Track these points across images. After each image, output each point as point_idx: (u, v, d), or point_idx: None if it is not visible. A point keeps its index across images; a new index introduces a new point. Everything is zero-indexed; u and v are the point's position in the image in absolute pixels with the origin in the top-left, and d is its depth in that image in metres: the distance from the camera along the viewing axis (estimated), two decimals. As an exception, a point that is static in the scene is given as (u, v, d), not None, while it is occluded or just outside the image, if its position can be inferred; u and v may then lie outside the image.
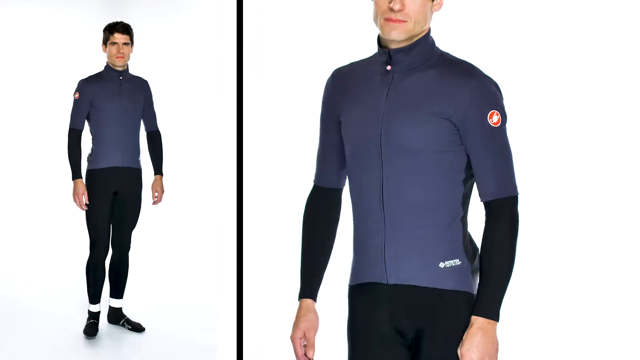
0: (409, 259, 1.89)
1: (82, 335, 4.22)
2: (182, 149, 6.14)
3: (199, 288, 5.07)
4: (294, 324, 2.02)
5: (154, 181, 4.37)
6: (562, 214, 3.53)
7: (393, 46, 1.91)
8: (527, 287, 3.42)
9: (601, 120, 3.50)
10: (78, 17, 5.99)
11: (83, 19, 5.81)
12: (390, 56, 1.91)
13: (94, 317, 4.25)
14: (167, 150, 4.95)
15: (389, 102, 1.90)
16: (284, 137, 3.80)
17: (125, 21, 4.33)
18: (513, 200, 1.90)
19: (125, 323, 4.31)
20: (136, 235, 4.47)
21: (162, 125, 4.54)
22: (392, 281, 1.91)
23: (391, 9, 1.84)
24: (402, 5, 1.84)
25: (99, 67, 4.29)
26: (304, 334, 1.99)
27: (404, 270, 1.90)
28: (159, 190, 4.38)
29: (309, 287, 2.03)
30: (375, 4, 1.89)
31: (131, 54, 4.26)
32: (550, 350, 3.48)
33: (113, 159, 4.18)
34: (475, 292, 1.93)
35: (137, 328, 4.28)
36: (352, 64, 2.05)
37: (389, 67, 1.93)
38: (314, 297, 2.03)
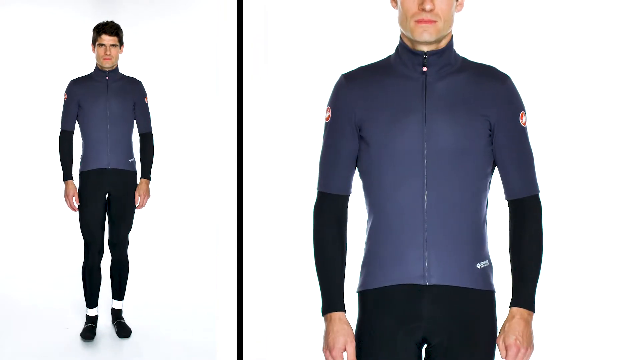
0: (450, 260, 1.91)
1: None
2: (182, 150, 6.14)
3: (199, 288, 5.07)
4: (330, 338, 1.95)
5: (138, 184, 4.28)
6: (569, 213, 3.54)
7: (425, 48, 1.93)
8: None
9: (608, 120, 3.51)
10: (75, 16, 5.98)
11: (79, 18, 5.80)
12: (425, 58, 1.93)
13: (91, 321, 4.24)
14: (167, 150, 4.95)
15: (430, 105, 1.92)
16: (284, 138, 3.80)
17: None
18: (538, 197, 1.98)
19: (116, 325, 4.29)
20: (136, 235, 4.47)
21: (161, 125, 4.51)
22: (432, 282, 1.91)
23: (423, 10, 1.86)
24: (433, 4, 1.86)
25: (93, 68, 4.26)
26: (345, 347, 1.94)
27: (444, 271, 1.91)
28: (142, 195, 4.26)
29: (337, 298, 1.97)
30: (403, 7, 1.90)
31: (121, 55, 4.18)
32: (560, 347, 3.48)
33: (101, 161, 4.14)
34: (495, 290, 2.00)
35: (124, 334, 4.25)
36: (362, 69, 2.03)
37: (425, 69, 1.94)
38: (344, 308, 1.98)
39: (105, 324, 4.36)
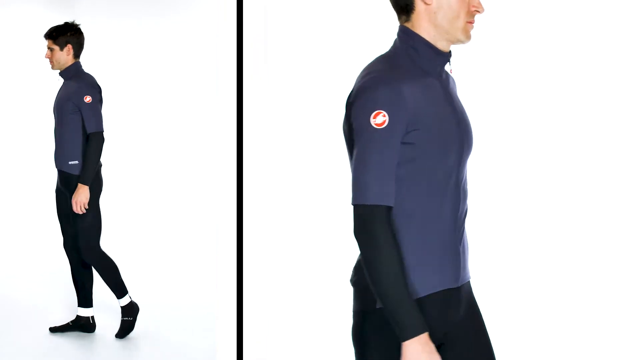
0: (467, 258, 1.96)
1: (81, 335, 4.23)
2: (182, 149, 6.15)
3: (199, 288, 5.07)
4: None
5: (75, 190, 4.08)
6: (550, 213, 3.54)
7: (447, 49, 1.90)
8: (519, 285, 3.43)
9: (589, 119, 3.51)
10: (75, 16, 5.99)
11: (79, 18, 5.82)
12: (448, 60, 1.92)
13: (76, 321, 4.28)
14: (166, 150, 4.94)
15: (455, 108, 1.91)
16: (284, 138, 3.80)
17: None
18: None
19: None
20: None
21: (161, 125, 4.50)
22: (460, 282, 1.91)
23: (477, 12, 1.86)
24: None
25: (96, 69, 4.29)
26: None
27: (467, 269, 1.95)
28: (75, 201, 3.98)
29: (420, 318, 1.77)
30: (457, 4, 1.84)
31: (68, 56, 4.14)
32: (544, 349, 3.48)
33: (54, 161, 4.19)
34: None
35: (124, 334, 4.23)
36: (392, 68, 1.84)
37: (450, 71, 1.94)
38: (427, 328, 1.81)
39: (105, 324, 4.37)
